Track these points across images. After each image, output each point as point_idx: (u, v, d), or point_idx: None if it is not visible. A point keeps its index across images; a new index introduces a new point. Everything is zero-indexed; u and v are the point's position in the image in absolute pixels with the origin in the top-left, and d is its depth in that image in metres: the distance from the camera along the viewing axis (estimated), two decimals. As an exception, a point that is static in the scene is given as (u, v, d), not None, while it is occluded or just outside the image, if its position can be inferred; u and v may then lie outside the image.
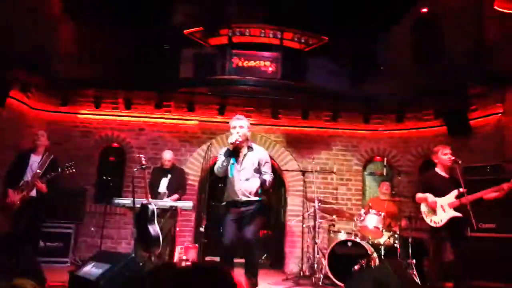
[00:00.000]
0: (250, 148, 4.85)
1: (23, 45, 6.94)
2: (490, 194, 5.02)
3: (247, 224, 4.66)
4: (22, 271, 4.03)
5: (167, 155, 6.94)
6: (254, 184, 4.75)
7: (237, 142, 4.64)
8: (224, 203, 4.91)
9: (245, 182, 4.72)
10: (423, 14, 8.26)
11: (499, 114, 6.96)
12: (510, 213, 5.83)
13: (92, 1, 7.99)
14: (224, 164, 4.68)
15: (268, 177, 4.79)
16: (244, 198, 4.70)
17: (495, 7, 6.41)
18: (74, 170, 5.97)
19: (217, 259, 8.18)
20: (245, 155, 4.80)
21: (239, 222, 4.69)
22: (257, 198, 4.76)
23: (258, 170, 4.78)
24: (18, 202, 5.70)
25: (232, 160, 4.69)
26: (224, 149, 4.85)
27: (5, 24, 6.75)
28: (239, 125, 4.75)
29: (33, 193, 5.80)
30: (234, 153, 4.75)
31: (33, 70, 7.34)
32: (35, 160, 5.96)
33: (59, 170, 5.85)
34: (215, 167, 4.79)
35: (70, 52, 8.04)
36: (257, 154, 4.83)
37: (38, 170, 5.79)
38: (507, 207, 5.69)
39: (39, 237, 6.30)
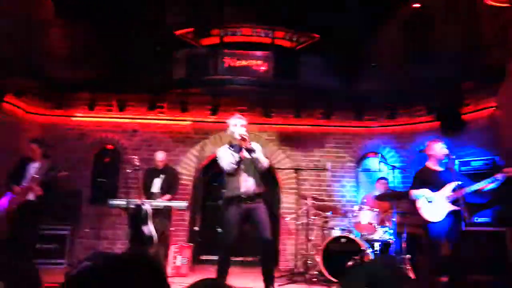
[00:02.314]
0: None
1: (17, 50, 6.97)
2: (485, 185, 5.01)
3: (260, 224, 4.74)
4: (18, 274, 4.05)
5: (159, 156, 6.99)
6: (257, 179, 4.86)
7: (245, 137, 4.75)
8: (224, 199, 4.95)
9: (249, 177, 4.82)
10: (415, 9, 8.23)
11: (492, 108, 6.96)
12: (505, 207, 5.83)
13: (84, 5, 7.99)
14: (237, 160, 4.77)
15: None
16: (249, 193, 4.77)
17: (487, 2, 6.45)
18: (65, 172, 6.04)
19: (214, 257, 8.26)
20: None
21: (244, 219, 4.77)
22: (260, 192, 4.86)
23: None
24: (15, 206, 5.77)
25: (239, 156, 4.82)
26: (223, 148, 5.01)
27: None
28: (240, 124, 4.91)
29: (31, 196, 5.86)
30: (241, 148, 4.84)
31: (27, 74, 7.37)
32: (34, 166, 6.08)
33: (51, 173, 5.92)
34: (226, 163, 4.82)
35: (63, 55, 8.03)
36: (257, 148, 4.91)
37: (36, 176, 5.90)
38: (501, 201, 5.70)
39: (37, 240, 6.34)
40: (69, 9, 8.01)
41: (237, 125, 4.91)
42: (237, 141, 4.83)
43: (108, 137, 8.34)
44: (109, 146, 8.43)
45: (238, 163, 4.80)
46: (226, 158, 4.85)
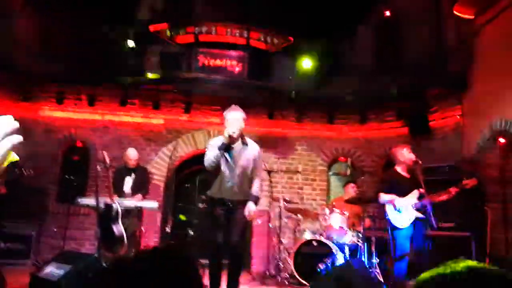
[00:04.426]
0: (245, 144, 4.60)
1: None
2: (440, 197, 5.18)
3: (230, 227, 4.40)
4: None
5: (132, 154, 6.73)
6: (246, 182, 4.54)
7: (234, 136, 4.40)
8: (207, 199, 4.65)
9: (238, 180, 4.46)
10: (385, 16, 8.38)
11: (458, 116, 7.17)
12: (469, 212, 6.01)
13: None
14: (218, 157, 4.39)
15: (257, 189, 4.61)
16: (230, 199, 4.43)
17: (454, 12, 6.66)
18: (31, 171, 5.80)
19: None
20: (240, 149, 4.55)
21: (227, 222, 4.43)
22: (242, 199, 4.50)
23: (251, 168, 4.57)
24: None
25: (227, 155, 4.43)
26: (215, 140, 4.61)
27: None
28: (235, 118, 4.52)
29: None
30: (229, 147, 4.46)
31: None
32: None
33: (17, 173, 5.66)
34: (206, 159, 4.46)
35: (32, 46, 7.78)
36: (252, 151, 4.61)
37: None
38: (466, 205, 5.88)
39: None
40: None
41: (230, 119, 4.50)
42: (226, 139, 4.42)
43: (78, 133, 8.13)
44: (79, 143, 8.22)
45: (219, 162, 4.41)
46: (209, 154, 4.46)
